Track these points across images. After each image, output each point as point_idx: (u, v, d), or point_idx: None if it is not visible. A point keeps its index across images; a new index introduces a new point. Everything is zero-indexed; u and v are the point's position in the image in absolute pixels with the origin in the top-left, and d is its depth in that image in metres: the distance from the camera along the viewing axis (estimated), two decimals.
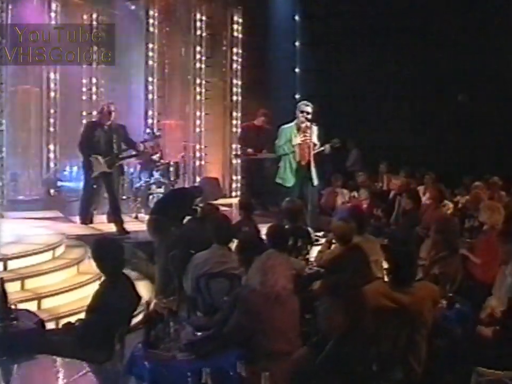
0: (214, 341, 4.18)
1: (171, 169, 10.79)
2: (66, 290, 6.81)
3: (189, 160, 12.65)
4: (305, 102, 9.05)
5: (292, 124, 9.02)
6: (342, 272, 5.72)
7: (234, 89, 13.28)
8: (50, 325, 5.95)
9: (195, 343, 4.16)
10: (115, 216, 9.16)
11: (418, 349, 4.52)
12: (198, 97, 12.85)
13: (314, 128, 8.96)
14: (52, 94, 11.61)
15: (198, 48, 12.77)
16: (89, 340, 4.62)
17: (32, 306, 6.35)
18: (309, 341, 4.02)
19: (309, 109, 8.95)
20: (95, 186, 9.27)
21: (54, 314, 6.36)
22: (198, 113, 12.87)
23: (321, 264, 6.18)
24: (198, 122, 12.86)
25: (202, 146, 12.90)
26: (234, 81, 13.30)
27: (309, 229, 7.90)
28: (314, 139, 8.97)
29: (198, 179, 12.86)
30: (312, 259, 6.66)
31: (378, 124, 13.39)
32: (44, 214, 10.32)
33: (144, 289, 7.80)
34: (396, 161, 12.73)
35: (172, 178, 10.76)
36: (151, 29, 12.24)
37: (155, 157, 10.88)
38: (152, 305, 4.53)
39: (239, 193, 13.14)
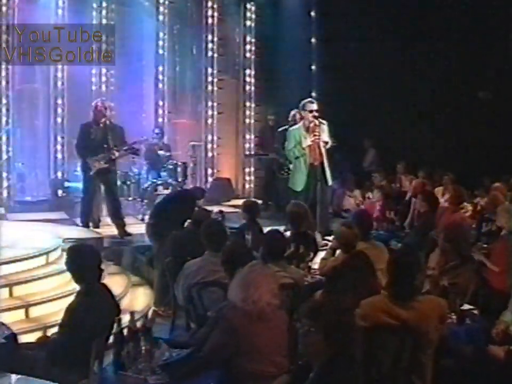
0: (191, 362, 3.74)
1: (179, 169, 10.36)
2: (57, 298, 6.40)
3: (199, 160, 12.23)
4: (310, 99, 8.55)
5: (300, 124, 8.54)
6: (344, 281, 5.27)
7: (247, 87, 12.81)
8: (37, 335, 5.59)
9: (170, 364, 3.72)
10: (115, 217, 8.83)
11: (423, 370, 4.06)
12: (210, 95, 12.39)
13: (324, 126, 8.44)
14: (60, 93, 11.28)
15: (210, 45, 12.33)
16: (62, 357, 4.22)
17: (19, 314, 6.01)
18: (290, 367, 3.56)
19: (315, 106, 8.46)
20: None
21: (42, 323, 5.98)
22: (210, 112, 12.44)
23: (324, 272, 5.72)
24: (210, 121, 12.43)
25: (215, 146, 12.45)
26: (248, 79, 12.84)
27: (317, 233, 7.45)
28: (325, 137, 8.45)
29: (209, 179, 12.42)
30: (316, 266, 6.19)
31: (396, 123, 12.80)
32: (50, 216, 10.02)
33: (144, 295, 7.45)
34: (415, 162, 12.21)
35: (179, 179, 10.34)
36: (161, 26, 11.83)
37: (161, 152, 10.47)
38: (129, 319, 4.07)
39: (252, 194, 12.68)
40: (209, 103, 12.43)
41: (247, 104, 12.76)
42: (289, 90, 12.32)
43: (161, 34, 11.88)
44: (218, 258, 5.44)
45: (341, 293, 5.27)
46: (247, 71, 12.84)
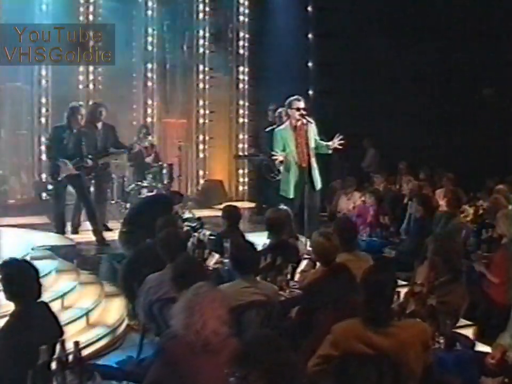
0: None
1: (164, 171, 9.78)
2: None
3: (190, 161, 11.66)
4: (296, 97, 7.83)
5: (286, 123, 7.87)
6: (322, 298, 4.66)
7: (241, 85, 12.21)
8: None
9: None
10: (91, 223, 8.26)
11: None
12: (201, 93, 11.80)
13: (311, 126, 7.77)
14: (44, 92, 10.75)
15: (201, 42, 11.76)
16: None
17: None
18: None
19: (302, 104, 7.77)
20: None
21: None
22: (201, 111, 11.86)
23: (302, 286, 5.11)
24: (201, 120, 11.84)
25: (206, 146, 11.87)
26: (241, 76, 12.25)
27: (302, 240, 6.82)
28: (312, 140, 7.78)
29: (201, 181, 11.84)
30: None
31: (397, 121, 12.13)
32: (32, 220, 9.49)
33: (118, 307, 6.87)
34: (416, 162, 11.59)
35: (165, 181, 9.75)
36: (150, 22, 11.28)
37: (148, 159, 9.93)
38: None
39: (246, 197, 12.08)
40: (201, 102, 11.84)
41: (241, 102, 12.16)
42: (285, 88, 11.55)
43: (150, 30, 11.31)
44: None
45: (318, 311, 4.71)
46: (240, 68, 12.25)
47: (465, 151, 11.46)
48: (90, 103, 9.76)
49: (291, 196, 7.66)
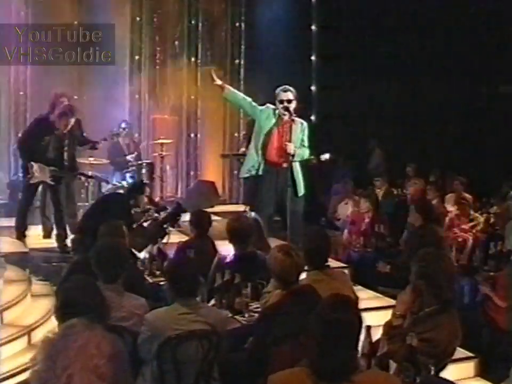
0: None
1: (143, 170, 8.89)
2: None
3: (180, 161, 10.79)
4: (284, 87, 6.78)
5: (272, 107, 6.84)
6: (279, 328, 3.72)
7: (237, 80, 11.28)
8: None
9: None
10: (58, 228, 7.41)
11: None
12: (193, 88, 10.90)
13: (297, 126, 6.73)
14: (21, 85, 9.93)
15: (193, 32, 10.87)
16: None
17: None
18: None
19: (290, 96, 6.72)
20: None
21: None
22: (193, 107, 10.96)
23: (259, 313, 4.17)
24: (193, 117, 10.96)
25: (198, 145, 10.97)
26: (237, 70, 11.36)
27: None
28: (298, 138, 6.73)
29: (192, 182, 10.96)
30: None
31: (404, 120, 11.31)
32: (3, 223, 8.64)
33: None
34: (426, 164, 10.62)
35: (144, 181, 8.86)
36: (138, 12, 10.44)
37: (129, 157, 9.07)
38: None
39: (241, 198, 11.16)
40: (192, 96, 10.91)
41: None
42: (285, 83, 10.75)
43: (137, 19, 10.44)
44: (113, 291, 3.98)
45: (275, 344, 3.77)
46: (236, 61, 11.29)
47: (480, 152, 10.48)
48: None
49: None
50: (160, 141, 9.38)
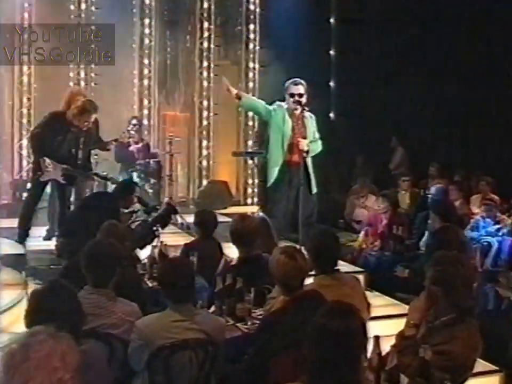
0: None
1: (151, 169, 8.71)
2: None
3: (193, 160, 10.60)
4: (295, 79, 6.63)
5: (285, 106, 6.64)
6: (279, 338, 3.50)
7: (251, 75, 11.07)
8: None
9: None
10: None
11: None
12: (205, 84, 10.70)
13: (309, 120, 6.57)
14: (26, 79, 9.82)
15: (205, 25, 10.67)
16: None
17: None
18: None
19: (301, 89, 6.56)
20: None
21: None
22: (205, 103, 10.76)
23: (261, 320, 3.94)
24: (205, 113, 10.76)
25: (211, 143, 10.77)
26: (251, 64, 11.10)
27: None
28: (311, 132, 6.59)
29: (204, 182, 10.75)
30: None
31: (428, 118, 10.99)
32: (5, 224, 8.48)
33: None
34: (450, 163, 10.35)
35: (152, 181, 8.69)
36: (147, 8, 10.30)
37: (137, 156, 8.89)
38: None
39: (255, 199, 10.94)
40: (205, 92, 10.73)
41: (250, 94, 10.97)
42: (302, 79, 10.56)
43: (147, 11, 10.30)
44: (103, 295, 3.79)
45: (276, 355, 3.55)
46: (251, 56, 11.08)
47: (508, 152, 10.13)
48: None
49: (268, 184, 6.50)
50: (168, 138, 9.17)
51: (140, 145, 9.13)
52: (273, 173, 6.46)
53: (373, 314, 5.67)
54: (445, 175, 10.02)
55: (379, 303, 6.09)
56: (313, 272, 4.11)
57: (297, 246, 5.50)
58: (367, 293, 6.22)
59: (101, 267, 3.80)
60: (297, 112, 6.52)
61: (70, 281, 4.25)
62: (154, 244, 5.58)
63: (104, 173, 7.78)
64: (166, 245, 5.59)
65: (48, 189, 7.67)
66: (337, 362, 2.44)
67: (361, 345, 2.50)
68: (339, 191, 10.51)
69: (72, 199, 7.73)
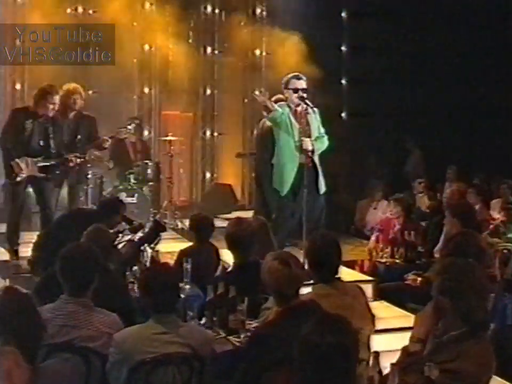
0: None
1: (149, 171, 8.53)
2: None
3: (195, 162, 10.46)
4: (295, 74, 6.48)
5: (285, 108, 6.43)
6: (272, 353, 3.30)
7: (258, 73, 10.90)
8: None
9: None
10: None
11: None
12: (209, 81, 10.54)
13: (313, 116, 6.40)
14: (18, 79, 9.76)
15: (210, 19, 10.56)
16: None
17: None
18: None
19: (303, 84, 6.39)
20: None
21: None
22: (209, 102, 10.63)
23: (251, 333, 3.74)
24: (209, 113, 10.61)
25: (214, 144, 10.61)
26: (258, 61, 10.95)
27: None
28: (316, 128, 6.41)
29: (207, 186, 10.61)
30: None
31: (446, 118, 10.87)
32: None
33: None
34: (469, 166, 10.14)
35: (150, 183, 8.52)
36: None
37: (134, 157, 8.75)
38: None
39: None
40: (208, 91, 10.55)
41: (256, 93, 10.80)
42: (312, 76, 10.35)
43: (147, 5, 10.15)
44: (79, 305, 3.61)
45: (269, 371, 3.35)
46: (257, 52, 10.90)
47: None
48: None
49: (283, 193, 6.30)
50: (167, 138, 8.99)
51: (137, 146, 8.99)
52: (288, 179, 6.26)
53: (382, 327, 5.51)
54: (463, 178, 9.84)
55: (388, 314, 5.90)
56: (312, 281, 3.92)
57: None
58: (375, 303, 6.10)
59: (78, 273, 3.61)
60: (301, 108, 6.33)
61: (48, 294, 4.12)
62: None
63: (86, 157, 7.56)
64: (158, 251, 5.41)
65: None
66: (327, 381, 2.24)
67: (355, 364, 2.29)
68: (350, 195, 10.31)
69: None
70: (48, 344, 3.50)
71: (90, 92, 9.64)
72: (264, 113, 6.81)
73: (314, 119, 6.43)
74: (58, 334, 3.55)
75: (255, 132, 7.94)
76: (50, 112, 7.06)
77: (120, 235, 5.85)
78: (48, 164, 7.05)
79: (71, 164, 7.27)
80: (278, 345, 3.32)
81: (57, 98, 7.11)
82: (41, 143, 7.05)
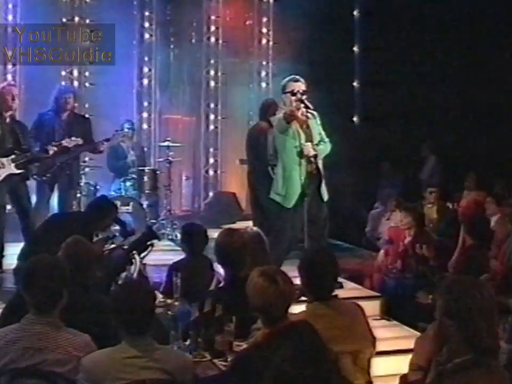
0: None
1: (145, 178, 8.36)
2: None
3: (198, 169, 10.29)
4: (293, 76, 6.25)
5: (280, 115, 6.21)
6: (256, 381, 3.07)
7: (263, 75, 10.72)
8: None
9: None
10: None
11: None
12: (212, 84, 10.38)
13: (313, 121, 6.17)
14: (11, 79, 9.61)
15: (213, 17, 10.41)
16: None
17: None
18: None
19: (302, 86, 6.15)
20: None
21: None
22: (212, 105, 10.46)
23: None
24: (212, 117, 10.46)
25: (218, 151, 10.45)
26: (264, 63, 10.79)
27: None
28: (317, 132, 6.18)
29: (210, 194, 10.43)
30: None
31: (463, 124, 10.71)
32: None
33: None
34: (488, 173, 9.91)
35: (146, 191, 8.34)
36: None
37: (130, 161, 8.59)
38: None
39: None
40: (212, 93, 10.44)
41: (263, 94, 10.66)
42: (322, 78, 10.20)
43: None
44: (47, 325, 3.39)
45: None
46: (263, 53, 10.77)
47: None
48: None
49: (290, 205, 6.08)
50: (166, 143, 8.83)
51: (135, 151, 8.85)
52: (296, 191, 6.05)
53: (390, 348, 5.27)
54: (483, 187, 9.60)
55: (397, 334, 5.66)
56: (306, 299, 3.70)
57: None
58: (383, 321, 5.85)
59: (41, 289, 3.39)
60: (300, 113, 6.10)
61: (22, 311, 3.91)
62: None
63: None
64: (145, 264, 5.20)
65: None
66: None
67: None
68: (362, 204, 10.10)
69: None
70: (10, 369, 3.33)
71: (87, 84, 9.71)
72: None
73: (315, 123, 6.20)
74: (22, 357, 3.33)
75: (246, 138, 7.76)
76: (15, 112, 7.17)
77: (110, 241, 5.69)
78: (25, 160, 6.98)
79: (50, 152, 7.19)
80: (264, 372, 3.10)
81: (15, 91, 7.24)
82: (13, 142, 7.01)
